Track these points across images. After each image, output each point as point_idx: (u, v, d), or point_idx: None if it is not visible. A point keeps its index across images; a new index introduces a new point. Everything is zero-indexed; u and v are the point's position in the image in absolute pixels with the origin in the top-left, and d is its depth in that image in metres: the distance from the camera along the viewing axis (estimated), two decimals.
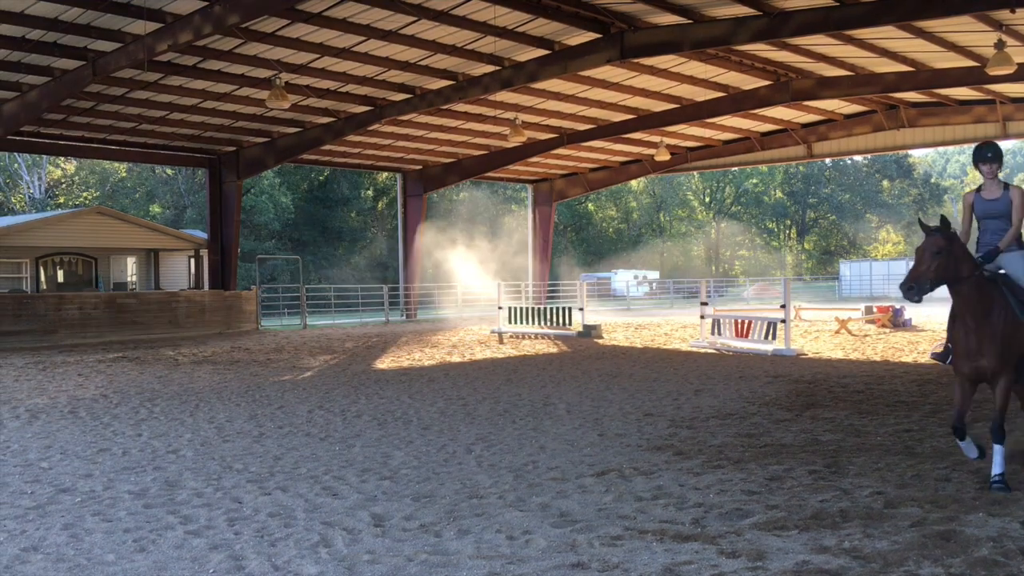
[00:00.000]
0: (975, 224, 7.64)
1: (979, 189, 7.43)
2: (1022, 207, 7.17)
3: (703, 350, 20.34)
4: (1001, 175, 7.45)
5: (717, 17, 17.68)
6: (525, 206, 48.77)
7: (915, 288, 6.80)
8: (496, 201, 65.63)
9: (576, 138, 28.91)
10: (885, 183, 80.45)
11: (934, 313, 33.80)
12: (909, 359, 17.30)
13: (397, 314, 35.28)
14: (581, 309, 25.95)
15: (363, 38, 18.80)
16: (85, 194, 56.63)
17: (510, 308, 26.17)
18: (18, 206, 54.32)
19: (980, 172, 7.33)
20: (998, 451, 6.77)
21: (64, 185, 57.23)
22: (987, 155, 7.29)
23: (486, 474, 7.65)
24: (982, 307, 6.86)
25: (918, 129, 28.34)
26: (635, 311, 44.65)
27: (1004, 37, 17.73)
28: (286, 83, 20.39)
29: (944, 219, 6.94)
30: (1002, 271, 7.16)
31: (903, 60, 21.13)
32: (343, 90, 22.93)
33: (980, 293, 6.84)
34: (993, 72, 18.57)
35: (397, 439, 9.40)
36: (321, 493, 7.09)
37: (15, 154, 50.10)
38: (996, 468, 6.74)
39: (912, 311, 29.45)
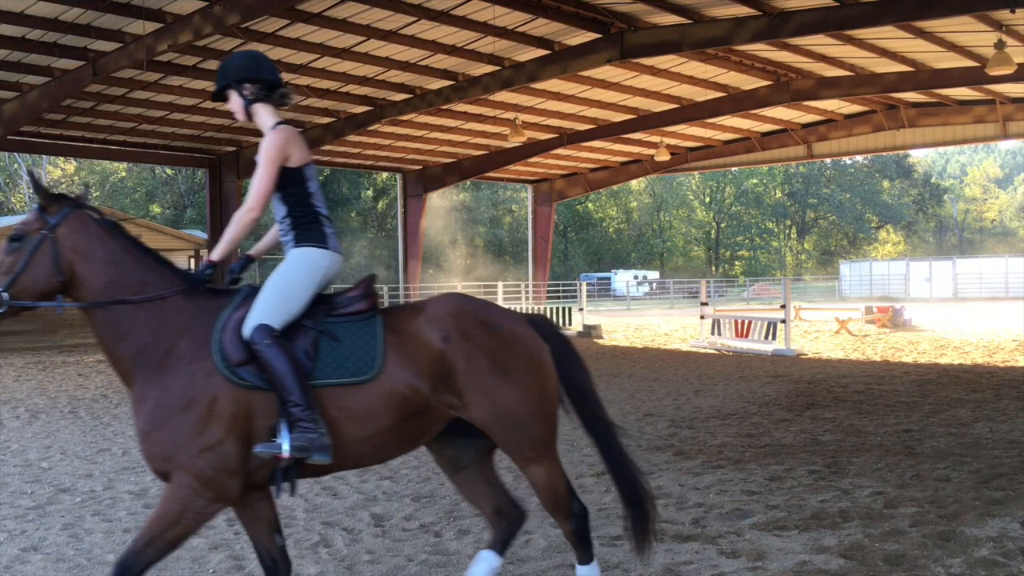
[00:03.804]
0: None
1: None
2: (267, 165, 4.11)
3: (703, 350, 20.33)
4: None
5: (717, 17, 17.67)
6: (525, 206, 48.77)
7: None
8: (496, 201, 65.65)
9: (576, 138, 28.88)
10: (885, 183, 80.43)
11: (938, 313, 33.81)
12: (909, 359, 17.30)
13: None
14: (581, 309, 25.94)
15: (363, 38, 18.79)
16: None
17: (510, 308, 26.16)
18: (18, 206, 54.32)
19: None
20: None
21: (64, 185, 57.22)
22: (217, 83, 4.38)
23: None
24: (128, 345, 3.95)
25: (918, 129, 28.31)
26: (635, 311, 44.64)
27: (1004, 37, 17.73)
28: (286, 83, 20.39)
29: (34, 177, 4.17)
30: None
31: (903, 60, 21.12)
32: (343, 90, 22.92)
33: (115, 323, 3.94)
34: (993, 72, 18.55)
35: None
36: (321, 493, 7.09)
37: (15, 154, 50.07)
38: None
39: (914, 311, 29.43)
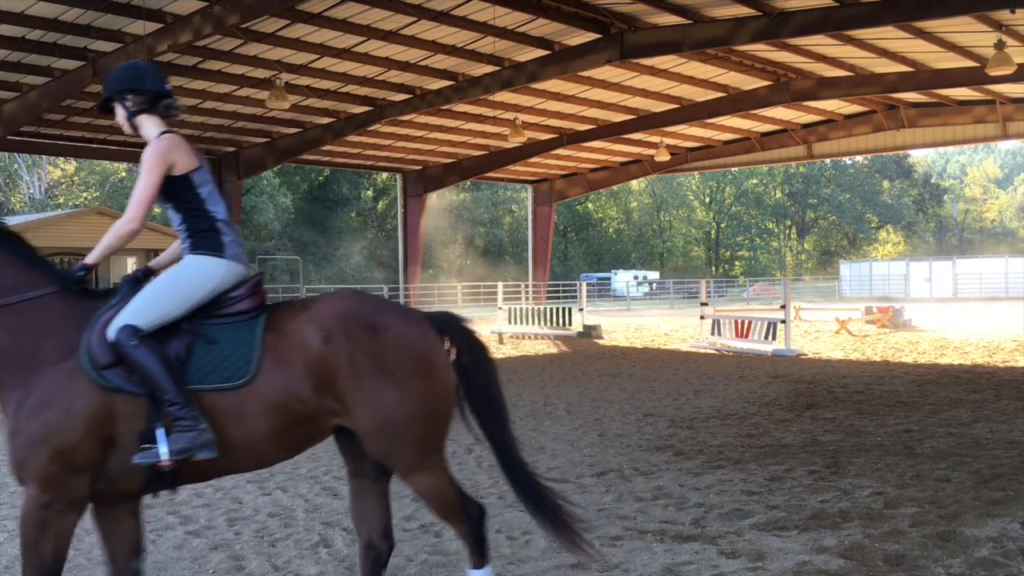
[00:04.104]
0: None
1: None
2: (147, 174, 4.06)
3: (703, 350, 20.33)
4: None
5: (717, 17, 17.67)
6: (525, 206, 48.78)
7: None
8: (496, 201, 65.66)
9: (576, 138, 28.89)
10: (885, 183, 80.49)
11: (938, 314, 33.82)
12: (909, 359, 17.30)
13: None
14: (581, 310, 25.94)
15: (363, 38, 18.79)
16: (85, 194, 56.66)
17: (510, 309, 26.16)
18: (18, 206, 54.32)
19: None
20: None
21: (64, 185, 57.24)
22: (103, 94, 4.29)
23: (486, 474, 7.64)
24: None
25: (918, 129, 28.30)
26: (635, 311, 44.65)
27: (1004, 37, 17.73)
28: (286, 83, 20.38)
29: None
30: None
31: (903, 60, 21.12)
32: (343, 90, 22.92)
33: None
34: (993, 72, 18.56)
35: None
36: (321, 493, 7.09)
37: (15, 154, 50.09)
38: None
39: (914, 311, 29.45)
